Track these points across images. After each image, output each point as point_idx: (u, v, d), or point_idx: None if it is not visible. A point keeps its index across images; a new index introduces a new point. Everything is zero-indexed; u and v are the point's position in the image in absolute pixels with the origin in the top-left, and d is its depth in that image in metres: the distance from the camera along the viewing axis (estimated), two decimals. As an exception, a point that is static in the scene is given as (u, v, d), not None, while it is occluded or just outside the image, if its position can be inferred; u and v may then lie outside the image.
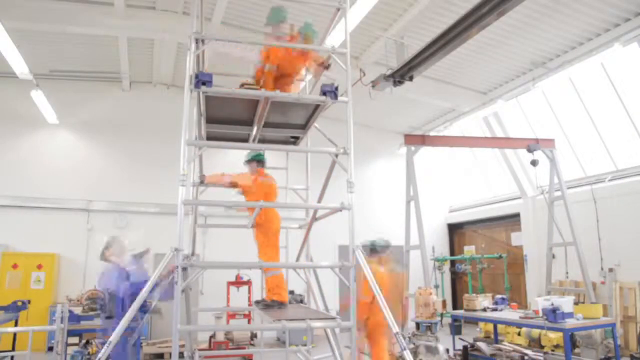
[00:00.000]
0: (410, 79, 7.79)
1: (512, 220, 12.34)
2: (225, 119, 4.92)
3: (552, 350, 8.02)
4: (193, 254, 6.47)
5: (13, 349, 7.51)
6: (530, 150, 9.19)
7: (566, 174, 9.92)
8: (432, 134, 12.64)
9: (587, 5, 7.63)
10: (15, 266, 9.87)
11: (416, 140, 9.13)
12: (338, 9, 4.60)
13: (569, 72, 8.68)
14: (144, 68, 11.18)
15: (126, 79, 11.25)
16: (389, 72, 7.84)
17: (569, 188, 9.71)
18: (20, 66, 8.22)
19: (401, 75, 7.70)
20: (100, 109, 11.54)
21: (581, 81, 9.65)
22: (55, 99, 10.29)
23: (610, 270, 9.33)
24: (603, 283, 9.39)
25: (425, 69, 7.60)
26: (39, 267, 10.00)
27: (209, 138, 5.29)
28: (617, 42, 7.69)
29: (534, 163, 9.19)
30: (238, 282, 10.21)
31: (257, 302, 5.50)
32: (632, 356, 7.45)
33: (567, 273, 9.63)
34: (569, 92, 9.95)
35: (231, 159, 11.73)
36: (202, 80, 3.89)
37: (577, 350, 7.97)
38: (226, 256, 10.04)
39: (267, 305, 5.08)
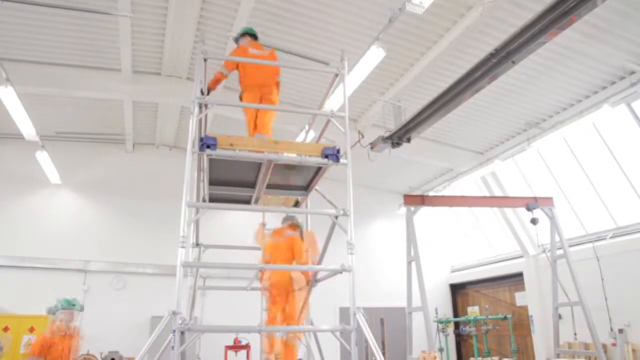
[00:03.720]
0: (408, 140, 7.98)
1: (516, 279, 12.13)
2: (229, 180, 5.00)
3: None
4: (191, 317, 6.33)
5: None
6: (529, 209, 9.22)
7: (567, 232, 9.88)
8: (431, 193, 12.72)
9: (574, 69, 7.97)
10: (6, 329, 9.57)
11: (415, 200, 9.18)
12: (336, 75, 4.81)
13: (562, 132, 8.89)
14: (147, 130, 11.46)
15: (130, 141, 11.49)
16: (386, 134, 8.04)
17: (570, 246, 9.64)
18: (27, 128, 8.44)
19: (399, 137, 7.89)
20: (103, 170, 11.70)
21: (575, 140, 9.86)
22: (59, 160, 10.46)
23: (620, 331, 9.05)
24: (614, 345, 9.08)
25: (422, 130, 7.81)
26: (31, 329, 9.69)
27: (211, 199, 5.34)
28: (606, 103, 7.95)
29: (533, 221, 9.18)
30: (236, 346, 9.87)
31: None
32: None
33: (575, 334, 9.35)
34: (564, 151, 10.14)
35: (230, 220, 11.78)
36: (206, 143, 4.01)
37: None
38: (224, 319, 9.81)
39: None
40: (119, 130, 11.04)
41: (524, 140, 9.81)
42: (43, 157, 9.74)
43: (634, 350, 8.72)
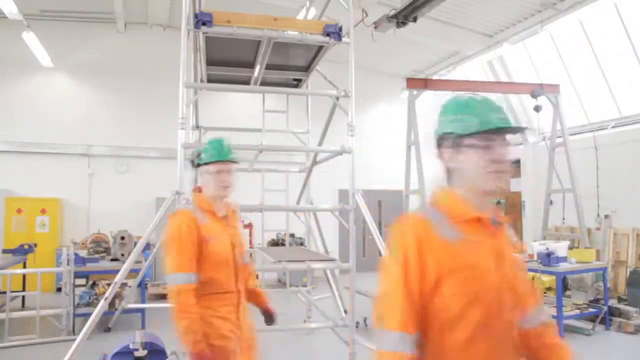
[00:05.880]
0: (414, 19, 7.53)
1: (512, 166, 12.35)
2: (227, 60, 4.81)
3: (545, 293, 8.27)
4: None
5: (24, 289, 7.75)
6: (534, 96, 9.02)
7: (569, 121, 9.82)
8: (435, 78, 12.39)
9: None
10: (19, 211, 9.99)
11: (418, 84, 8.95)
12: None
13: (580, 13, 8.37)
14: (138, 6, 10.77)
15: (120, 20, 10.87)
16: (392, 13, 7.56)
17: (571, 135, 9.65)
18: (8, 6, 7.91)
19: (405, 15, 7.43)
20: (96, 52, 11.23)
21: (592, 25, 9.34)
22: (48, 42, 9.99)
23: (606, 217, 9.44)
24: (598, 229, 9.54)
25: (429, 9, 7.32)
26: (43, 211, 10.13)
27: (210, 81, 5.19)
28: (632, -19, 7.38)
29: (537, 109, 9.05)
30: (239, 226, 10.36)
31: None
32: (619, 298, 7.71)
33: (563, 219, 9.76)
34: (577, 36, 9.66)
35: (230, 102, 11.61)
36: (202, 20, 3.78)
37: (568, 293, 8.23)
38: (227, 201, 10.18)
39: None
40: (108, 7, 10.38)
41: (537, 23, 9.28)
42: (30, 38, 9.28)
43: (615, 234, 9.18)
